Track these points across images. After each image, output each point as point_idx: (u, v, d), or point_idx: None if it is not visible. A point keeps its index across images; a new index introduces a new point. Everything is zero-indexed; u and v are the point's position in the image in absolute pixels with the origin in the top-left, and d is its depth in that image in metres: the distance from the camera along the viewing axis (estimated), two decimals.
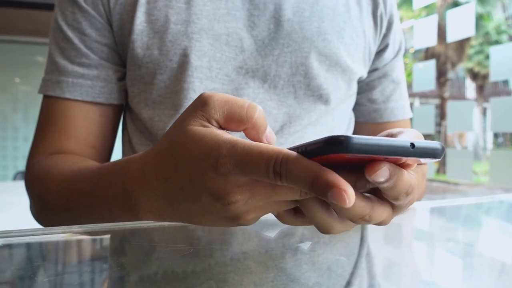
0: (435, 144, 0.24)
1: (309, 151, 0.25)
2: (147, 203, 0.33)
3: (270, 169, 0.25)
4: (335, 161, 0.25)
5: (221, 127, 0.30)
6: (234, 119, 0.30)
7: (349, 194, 0.23)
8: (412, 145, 0.23)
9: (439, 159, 0.25)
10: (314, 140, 0.24)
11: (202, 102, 0.30)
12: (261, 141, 0.31)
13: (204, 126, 0.29)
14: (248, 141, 0.27)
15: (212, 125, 0.30)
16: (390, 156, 0.23)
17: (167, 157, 0.31)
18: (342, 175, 0.25)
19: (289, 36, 0.57)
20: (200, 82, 0.55)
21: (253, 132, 0.30)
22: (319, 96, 0.59)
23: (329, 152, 0.23)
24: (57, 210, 0.46)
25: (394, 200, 0.27)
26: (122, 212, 0.36)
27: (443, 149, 0.25)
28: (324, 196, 0.24)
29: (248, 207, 0.29)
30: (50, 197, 0.47)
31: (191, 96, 0.55)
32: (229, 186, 0.27)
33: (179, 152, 0.30)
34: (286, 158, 0.25)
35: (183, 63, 0.54)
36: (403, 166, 0.26)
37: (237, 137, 0.28)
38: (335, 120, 0.63)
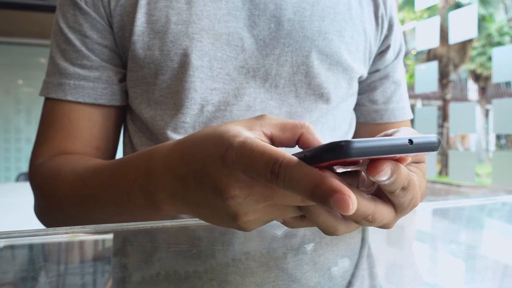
0: (431, 137, 0.25)
1: (309, 157, 0.25)
2: (164, 182, 0.34)
3: (268, 169, 0.25)
4: (336, 164, 0.25)
5: (273, 138, 0.31)
6: (289, 126, 0.31)
7: (353, 200, 0.23)
8: (410, 141, 0.24)
9: (437, 151, 0.25)
10: (315, 147, 0.25)
11: (259, 116, 0.32)
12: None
13: (252, 129, 0.30)
14: (259, 141, 0.27)
15: (265, 133, 0.31)
16: (391, 155, 0.24)
17: (194, 142, 0.32)
18: (343, 177, 0.25)
19: (290, 36, 0.57)
20: (201, 82, 0.55)
21: (310, 136, 0.31)
22: (320, 95, 0.59)
23: (331, 158, 0.23)
24: (67, 207, 0.47)
25: (390, 194, 0.27)
26: (139, 195, 0.37)
27: (439, 141, 0.25)
28: (326, 203, 0.23)
29: (246, 206, 0.29)
30: (62, 195, 0.48)
31: (192, 96, 0.55)
32: (229, 180, 0.28)
33: (203, 138, 0.31)
34: (287, 162, 0.25)
35: (184, 63, 0.54)
36: (398, 160, 0.26)
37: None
38: (336, 120, 0.63)
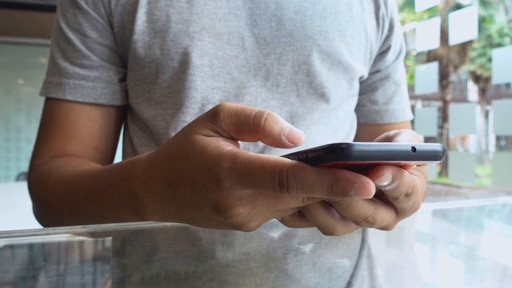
0: (436, 146, 0.24)
1: (310, 158, 0.25)
2: (152, 205, 0.33)
3: (276, 182, 0.25)
4: (334, 166, 0.25)
5: (233, 138, 0.30)
6: (244, 130, 0.29)
7: (372, 184, 0.23)
8: (414, 148, 0.23)
9: (440, 161, 0.25)
10: (315, 148, 0.24)
11: (213, 114, 0.29)
12: (282, 145, 0.29)
13: (211, 136, 0.29)
14: (249, 153, 0.26)
15: (224, 136, 0.29)
16: (392, 161, 0.23)
17: (171, 163, 0.30)
18: None
19: (291, 35, 0.57)
20: (201, 81, 0.55)
21: (268, 140, 0.29)
22: (322, 95, 0.59)
23: (331, 160, 0.23)
24: (60, 212, 0.46)
25: (394, 200, 0.27)
26: (127, 212, 0.36)
27: (444, 151, 0.25)
28: (347, 195, 0.24)
29: (250, 217, 0.29)
30: (53, 200, 0.47)
31: (193, 95, 0.55)
32: (231, 200, 0.27)
33: (183, 161, 0.29)
34: (292, 169, 0.24)
35: (185, 62, 0.54)
36: (403, 167, 0.26)
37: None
38: (339, 120, 0.63)
